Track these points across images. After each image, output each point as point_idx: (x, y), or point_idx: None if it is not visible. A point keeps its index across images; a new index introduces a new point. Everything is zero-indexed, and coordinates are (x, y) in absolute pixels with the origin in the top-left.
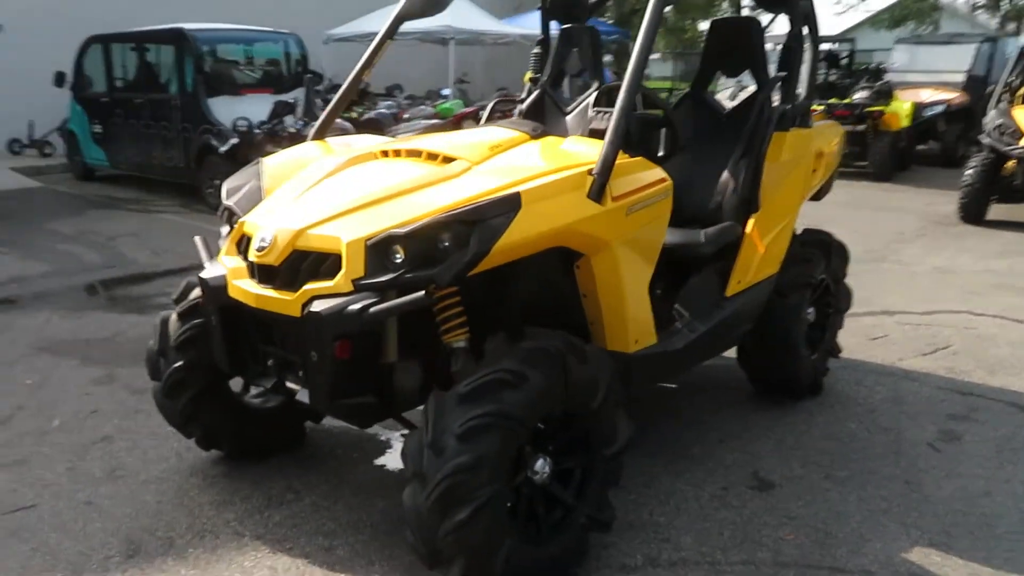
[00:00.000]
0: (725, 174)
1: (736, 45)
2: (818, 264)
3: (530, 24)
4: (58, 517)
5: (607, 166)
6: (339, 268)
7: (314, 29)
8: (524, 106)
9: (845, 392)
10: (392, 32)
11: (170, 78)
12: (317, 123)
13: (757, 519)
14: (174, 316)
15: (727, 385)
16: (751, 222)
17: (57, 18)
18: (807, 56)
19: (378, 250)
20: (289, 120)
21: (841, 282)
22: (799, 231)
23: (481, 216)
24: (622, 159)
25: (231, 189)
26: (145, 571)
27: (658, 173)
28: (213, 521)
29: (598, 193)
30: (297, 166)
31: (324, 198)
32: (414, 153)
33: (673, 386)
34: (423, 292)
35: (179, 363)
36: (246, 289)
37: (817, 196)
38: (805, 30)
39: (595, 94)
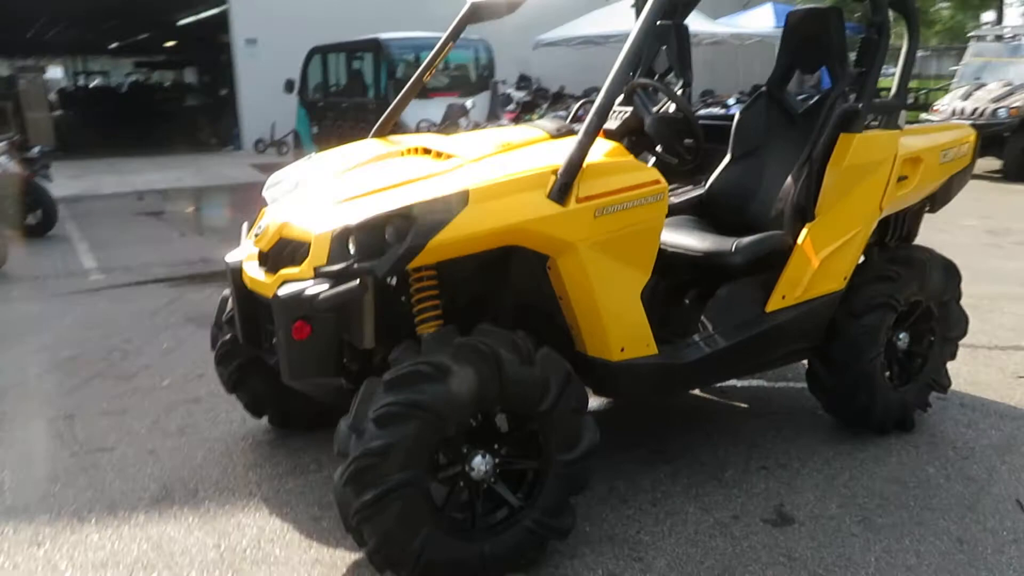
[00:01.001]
0: (789, 179)
1: (812, 38)
2: (905, 283)
3: (745, 23)
4: (122, 460)
5: (571, 166)
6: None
7: (525, 34)
8: (616, 106)
9: (946, 432)
10: (456, 35)
11: (369, 83)
12: (379, 121)
13: (750, 554)
14: (226, 293)
15: (805, 409)
16: (804, 232)
17: (298, 31)
18: (903, 51)
19: (338, 241)
20: (462, 122)
21: (950, 305)
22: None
23: (421, 212)
24: (611, 158)
25: (273, 181)
26: (162, 513)
27: (649, 174)
28: (237, 481)
29: (559, 193)
30: (340, 161)
31: (325, 192)
32: (426, 151)
33: (713, 397)
34: (357, 282)
35: (227, 336)
36: (247, 272)
37: (932, 207)
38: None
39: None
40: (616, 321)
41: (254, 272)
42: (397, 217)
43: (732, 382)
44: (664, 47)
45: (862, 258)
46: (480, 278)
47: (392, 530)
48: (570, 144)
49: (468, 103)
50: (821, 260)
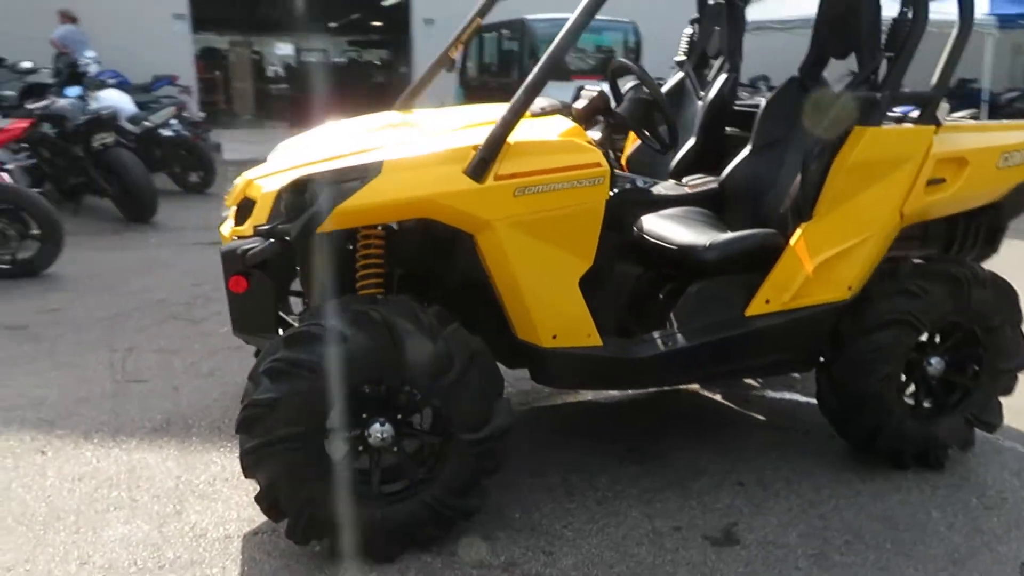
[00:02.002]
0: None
1: (842, 19)
2: (934, 301)
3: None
4: (148, 392)
5: (491, 142)
6: None
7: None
8: (664, 89)
9: (981, 478)
10: (484, 11)
11: (514, 64)
12: (404, 93)
13: (666, 568)
14: None
15: (825, 429)
16: (797, 232)
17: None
18: (953, 34)
19: (275, 202)
20: None
21: (1003, 331)
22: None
23: (335, 178)
24: (548, 138)
25: (282, 146)
26: (151, 442)
27: (587, 156)
28: (230, 423)
29: (475, 169)
30: (341, 129)
31: (296, 155)
32: (410, 123)
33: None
34: (271, 241)
35: None
36: (222, 230)
37: (999, 219)
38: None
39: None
40: (544, 306)
41: (224, 229)
42: (313, 181)
43: (761, 389)
44: (717, 28)
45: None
46: (428, 252)
47: (277, 480)
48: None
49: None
50: (817, 265)
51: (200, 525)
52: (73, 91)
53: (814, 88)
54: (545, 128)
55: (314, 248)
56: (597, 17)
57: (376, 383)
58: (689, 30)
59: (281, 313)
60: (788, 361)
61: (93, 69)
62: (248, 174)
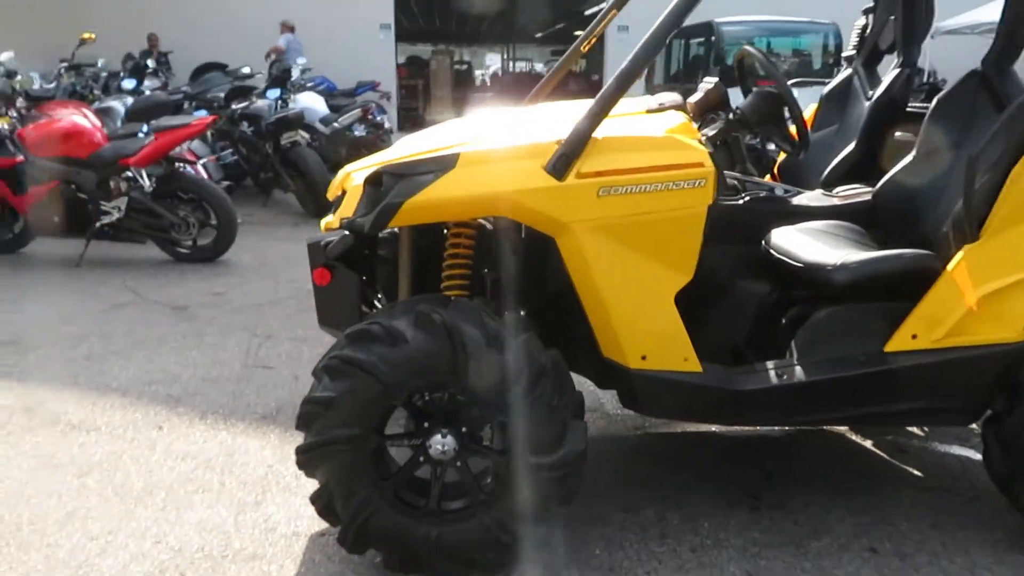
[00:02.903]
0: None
1: None
2: None
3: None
4: (264, 379)
5: (575, 136)
6: None
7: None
8: (827, 89)
9: None
10: (621, 3)
11: (700, 69)
12: (534, 89)
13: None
14: None
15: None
16: (958, 256)
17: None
18: None
19: (361, 194)
20: None
21: None
22: None
23: (409, 170)
24: (644, 134)
25: (407, 138)
26: (260, 428)
27: (688, 155)
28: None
29: (555, 165)
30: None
31: (411, 147)
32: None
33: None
34: (349, 234)
35: None
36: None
37: None
38: None
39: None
40: (631, 322)
41: (323, 222)
42: (387, 174)
43: (924, 440)
44: (892, 18)
45: None
46: (522, 255)
47: (330, 483)
48: (676, 121)
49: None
50: (982, 297)
51: (274, 518)
52: (273, 93)
53: (1000, 83)
54: (647, 124)
55: (398, 243)
56: (795, 18)
57: (437, 390)
58: (862, 21)
59: (366, 308)
60: (939, 410)
61: (296, 74)
62: (350, 167)
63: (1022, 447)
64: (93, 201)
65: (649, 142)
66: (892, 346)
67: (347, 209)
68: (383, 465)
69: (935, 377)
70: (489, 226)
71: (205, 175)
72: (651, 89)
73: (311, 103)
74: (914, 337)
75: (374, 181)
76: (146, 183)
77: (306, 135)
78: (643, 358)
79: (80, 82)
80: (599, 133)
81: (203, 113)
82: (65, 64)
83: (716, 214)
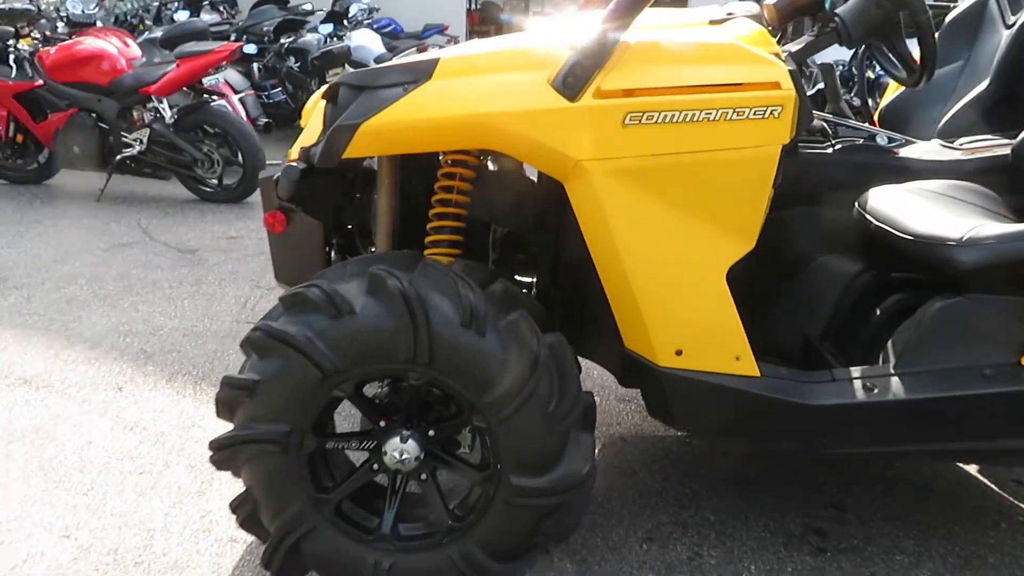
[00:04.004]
0: None
1: None
2: None
3: None
4: None
5: (597, 40)
6: None
7: None
8: (953, 15)
9: None
10: None
11: None
12: None
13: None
14: None
15: None
16: None
17: None
18: None
19: (319, 113)
20: None
21: None
22: None
23: (371, 81)
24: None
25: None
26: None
27: (760, 71)
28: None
29: (565, 78)
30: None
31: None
32: None
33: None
34: (293, 167)
35: None
36: None
37: None
38: None
39: None
40: (664, 305)
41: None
42: (344, 85)
43: None
44: None
45: None
46: (534, 203)
47: (254, 490)
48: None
49: None
50: None
51: (212, 516)
52: (325, 28)
53: None
54: (701, 32)
55: (377, 178)
56: None
57: (396, 380)
58: None
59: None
60: None
61: (354, 11)
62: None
63: None
64: (114, 132)
65: (702, 50)
66: None
67: (309, 135)
68: (325, 472)
69: None
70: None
71: (242, 110)
72: None
73: (366, 41)
74: None
75: (331, 96)
76: (167, 114)
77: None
78: (678, 353)
79: (131, 11)
80: (632, 35)
81: (252, 48)
82: None
83: (795, 163)
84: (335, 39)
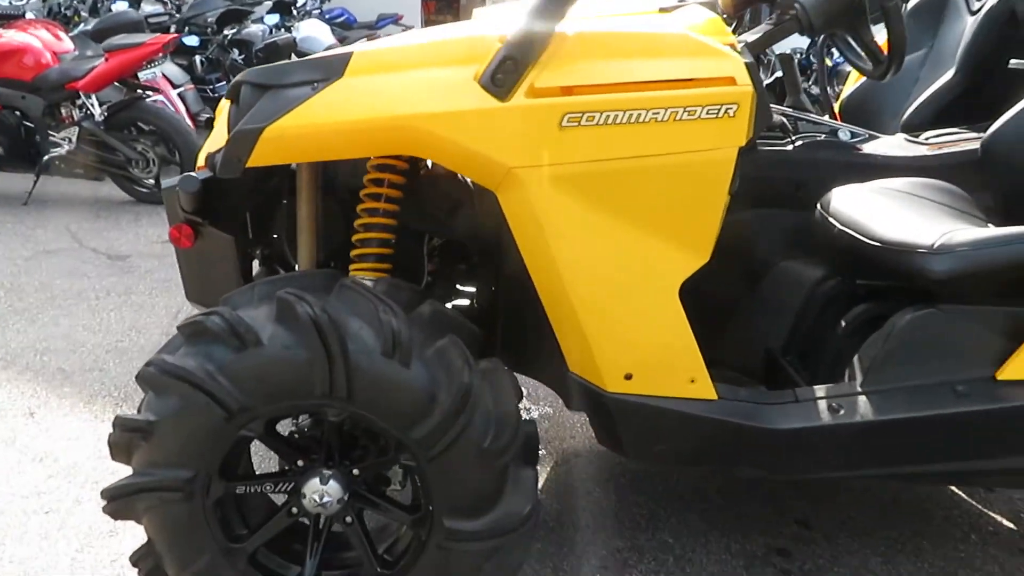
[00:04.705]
0: None
1: None
2: None
3: None
4: None
5: (529, 32)
6: None
7: None
8: (915, 1)
9: None
10: None
11: None
12: None
13: None
14: None
15: None
16: None
17: None
18: None
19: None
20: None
21: None
22: None
23: (277, 79)
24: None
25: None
26: None
27: (713, 64)
28: None
29: (494, 75)
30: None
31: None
32: None
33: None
34: (192, 177)
35: None
36: None
37: None
38: None
39: None
40: (610, 325)
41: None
42: (247, 83)
43: None
44: None
45: None
46: (471, 211)
47: (157, 542)
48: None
49: None
50: None
51: (123, 560)
52: (271, 19)
53: None
54: (648, 22)
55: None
56: None
57: (312, 417)
58: None
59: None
60: None
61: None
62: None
63: None
64: (40, 130)
65: (648, 42)
66: (1010, 373)
67: (215, 139)
68: (238, 519)
69: None
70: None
71: (181, 106)
72: None
73: (314, 31)
74: None
75: (234, 96)
76: (97, 111)
77: None
78: (627, 377)
79: (65, 2)
80: (571, 27)
81: (194, 40)
82: None
83: (753, 162)
84: (282, 30)
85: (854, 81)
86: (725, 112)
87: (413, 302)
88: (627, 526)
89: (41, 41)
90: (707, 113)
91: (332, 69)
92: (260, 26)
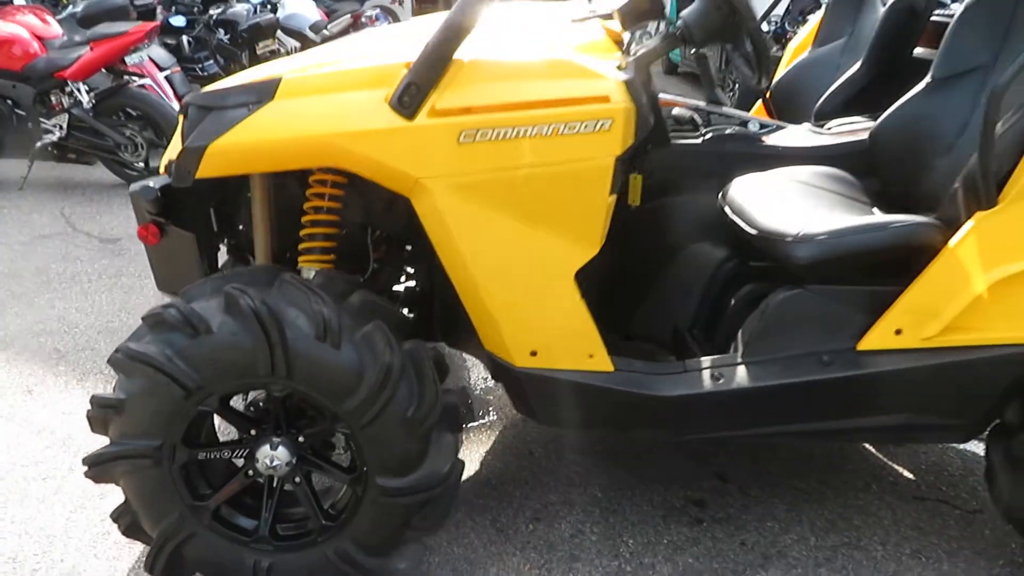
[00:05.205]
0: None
1: None
2: None
3: None
4: None
5: (430, 58)
6: None
7: None
8: None
9: None
10: None
11: None
12: None
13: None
14: None
15: None
16: (967, 226)
17: None
18: None
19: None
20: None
21: None
22: None
23: (218, 102)
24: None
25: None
26: None
27: (588, 86)
28: None
29: (401, 98)
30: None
31: (317, 58)
32: None
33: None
34: (149, 186)
35: None
36: None
37: None
38: None
39: None
40: (514, 310)
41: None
42: (192, 105)
43: None
44: None
45: None
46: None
47: (132, 501)
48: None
49: None
50: (995, 283)
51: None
52: None
53: None
54: (544, 42)
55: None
56: None
57: (259, 392)
58: None
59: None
60: (928, 427)
61: None
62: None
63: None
64: (32, 118)
65: (534, 66)
66: (868, 344)
67: (173, 148)
68: (201, 480)
69: (924, 386)
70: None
71: (168, 88)
72: None
73: (299, 8)
74: (898, 333)
75: (184, 114)
76: (84, 99)
77: (288, 44)
78: (533, 354)
79: None
80: (467, 54)
81: (180, 20)
82: None
83: (667, 154)
84: (268, 7)
85: (784, 67)
86: (600, 127)
87: (345, 292)
88: (562, 482)
89: (29, 29)
90: (584, 128)
91: (263, 93)
92: (245, 5)
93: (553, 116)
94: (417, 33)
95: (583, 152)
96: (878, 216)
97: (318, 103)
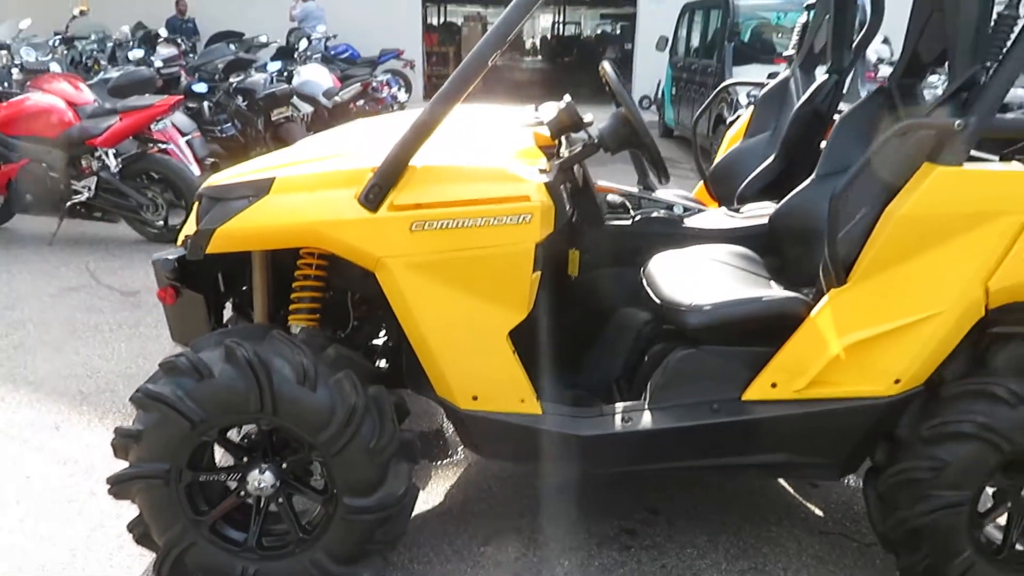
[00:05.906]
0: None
1: (938, 8)
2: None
3: None
4: None
5: (390, 165)
6: None
7: None
8: (764, 91)
9: None
10: None
11: (716, 45)
12: None
13: None
14: None
15: None
16: (824, 300)
17: None
18: None
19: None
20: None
21: None
22: None
23: (225, 194)
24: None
25: (309, 139)
26: None
27: (513, 187)
28: None
29: (367, 195)
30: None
31: (311, 151)
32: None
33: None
34: (168, 259)
35: None
36: None
37: None
38: None
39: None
40: (458, 362)
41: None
42: (205, 196)
43: None
44: (827, 17)
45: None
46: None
47: (145, 514)
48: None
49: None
50: (848, 346)
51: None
52: (274, 66)
53: (904, 103)
54: (487, 149)
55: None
56: None
57: (252, 426)
58: (804, 17)
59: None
60: (803, 464)
61: (304, 45)
62: (214, 176)
63: (900, 504)
64: (63, 180)
65: (470, 172)
66: (750, 395)
67: (189, 227)
68: (201, 499)
69: (796, 430)
70: None
71: (189, 152)
72: (674, 63)
73: (313, 76)
74: (774, 386)
75: (198, 201)
76: (112, 163)
77: (302, 109)
78: (474, 398)
79: (87, 52)
80: (421, 160)
81: (203, 87)
82: (59, 37)
83: (602, 233)
84: (284, 74)
85: (723, 151)
86: (522, 219)
87: (323, 346)
88: (513, 513)
89: (64, 97)
90: (509, 220)
91: (260, 189)
92: (262, 75)
93: (485, 211)
94: (386, 134)
95: (509, 239)
96: (757, 290)
97: (304, 198)
